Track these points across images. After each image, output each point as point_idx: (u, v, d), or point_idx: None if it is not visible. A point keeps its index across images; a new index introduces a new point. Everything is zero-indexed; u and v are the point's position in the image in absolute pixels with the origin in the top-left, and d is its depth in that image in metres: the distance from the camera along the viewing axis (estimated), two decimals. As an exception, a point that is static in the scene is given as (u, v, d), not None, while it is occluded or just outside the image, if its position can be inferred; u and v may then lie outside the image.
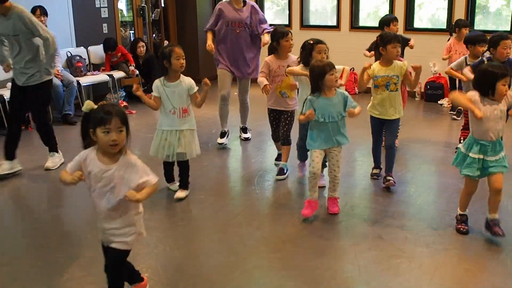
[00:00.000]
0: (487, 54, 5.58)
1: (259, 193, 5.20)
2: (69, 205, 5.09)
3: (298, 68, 5.15)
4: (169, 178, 5.23)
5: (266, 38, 6.41)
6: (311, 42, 5.11)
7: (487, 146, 4.03)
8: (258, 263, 3.89)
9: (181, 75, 4.88)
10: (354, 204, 4.90)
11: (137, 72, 9.18)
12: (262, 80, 5.47)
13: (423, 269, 3.76)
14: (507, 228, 4.19)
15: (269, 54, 5.64)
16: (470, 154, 4.07)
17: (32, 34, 5.54)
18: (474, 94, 4.01)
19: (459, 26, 7.85)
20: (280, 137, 5.62)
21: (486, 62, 5.19)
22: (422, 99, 8.95)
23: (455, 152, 4.42)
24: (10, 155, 5.87)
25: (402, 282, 3.62)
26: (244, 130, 7.13)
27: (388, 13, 9.36)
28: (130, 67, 9.06)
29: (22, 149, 6.73)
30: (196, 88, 4.91)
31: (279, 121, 5.62)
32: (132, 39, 10.19)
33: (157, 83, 4.87)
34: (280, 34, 5.54)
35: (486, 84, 3.97)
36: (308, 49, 5.09)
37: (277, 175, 5.59)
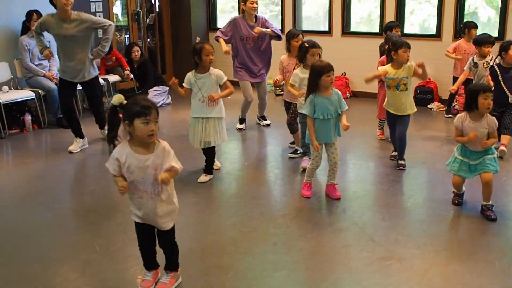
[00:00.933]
0: (497, 60, 6.09)
1: (252, 196, 5.19)
2: (62, 208, 5.07)
3: (297, 70, 5.59)
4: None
5: (261, 29, 7.18)
6: (307, 45, 5.52)
7: (474, 153, 4.50)
8: (251, 265, 3.87)
9: (211, 67, 5.30)
10: (345, 206, 4.90)
11: (132, 76, 9.16)
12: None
13: (414, 270, 3.77)
14: (493, 230, 4.21)
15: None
16: (461, 158, 4.54)
17: None
18: (456, 119, 4.52)
19: (469, 27, 7.97)
20: (287, 125, 6.14)
21: (495, 66, 5.99)
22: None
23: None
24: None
25: (392, 283, 3.62)
26: (263, 118, 7.82)
27: (379, 19, 9.41)
28: (125, 71, 9.04)
29: (16, 152, 6.72)
30: (225, 79, 5.32)
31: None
32: (127, 44, 10.17)
33: (189, 75, 5.29)
34: (291, 35, 6.20)
35: (471, 100, 4.39)
36: (303, 51, 5.51)
37: (290, 153, 6.26)
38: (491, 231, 4.34)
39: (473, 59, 6.85)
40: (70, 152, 6.53)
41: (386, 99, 5.81)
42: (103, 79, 8.74)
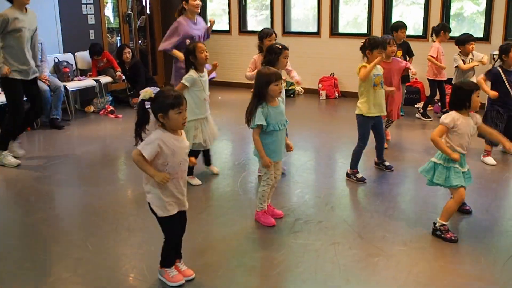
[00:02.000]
0: (498, 63, 6.00)
1: (242, 195, 5.20)
2: (54, 208, 5.05)
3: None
4: (191, 171, 5.39)
5: (210, 19, 7.00)
6: (280, 47, 5.17)
7: (461, 157, 4.14)
8: (241, 263, 3.87)
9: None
10: (334, 204, 4.91)
11: (124, 77, 9.14)
12: (250, 74, 5.68)
13: (400, 266, 3.78)
14: (479, 227, 4.24)
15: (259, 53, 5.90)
16: (452, 165, 4.13)
17: None
18: (448, 118, 4.12)
19: (444, 29, 7.97)
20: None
21: (498, 69, 5.80)
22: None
23: None
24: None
25: (380, 279, 3.64)
26: None
27: (367, 21, 9.43)
28: (116, 73, 9.02)
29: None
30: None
31: None
32: (118, 45, 10.14)
33: (192, 74, 5.15)
34: (264, 34, 5.91)
35: (463, 98, 4.11)
36: (277, 53, 5.12)
37: None
38: (476, 228, 4.36)
39: (459, 57, 7.03)
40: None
41: (367, 103, 5.32)
42: (94, 80, 8.74)
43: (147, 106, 3.28)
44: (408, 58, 7.67)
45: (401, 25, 7.65)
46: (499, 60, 5.97)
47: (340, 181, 5.56)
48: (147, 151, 3.21)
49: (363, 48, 5.38)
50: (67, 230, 4.52)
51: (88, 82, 8.71)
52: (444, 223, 4.17)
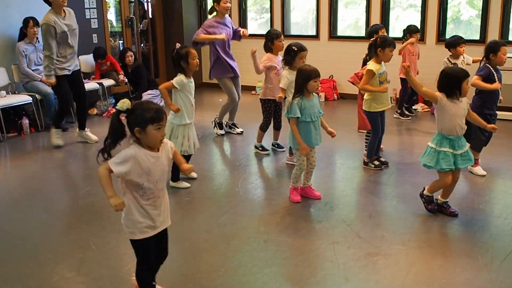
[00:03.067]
0: (483, 62, 5.61)
1: (243, 195, 5.18)
2: (58, 208, 5.04)
3: (285, 72, 5.59)
4: (178, 175, 5.33)
5: (244, 31, 7.35)
6: (295, 48, 5.51)
7: (454, 141, 4.31)
8: (242, 262, 3.86)
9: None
10: (333, 204, 4.89)
11: (126, 80, 9.14)
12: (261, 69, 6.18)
13: (399, 266, 3.77)
14: (476, 227, 4.22)
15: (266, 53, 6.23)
16: (443, 149, 4.31)
17: None
18: (441, 97, 4.32)
19: (412, 32, 8.01)
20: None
21: (489, 67, 5.49)
22: (397, 104, 8.89)
23: None
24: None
25: (379, 278, 3.62)
26: (235, 125, 7.50)
27: (365, 24, 9.42)
28: (119, 76, 9.02)
29: (14, 155, 6.69)
30: None
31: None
32: (121, 49, 10.13)
33: (181, 77, 5.08)
34: (275, 35, 6.14)
35: (453, 86, 4.26)
36: (292, 55, 5.51)
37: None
38: (473, 227, 4.34)
39: (449, 61, 6.88)
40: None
41: (373, 99, 5.46)
42: (98, 83, 8.73)
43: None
44: None
45: (380, 27, 7.48)
46: (484, 59, 5.57)
47: (339, 181, 5.55)
48: (117, 168, 2.88)
49: (373, 47, 5.41)
50: (70, 230, 4.50)
51: (92, 85, 8.69)
52: (429, 194, 4.57)
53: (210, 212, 4.78)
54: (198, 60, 5.09)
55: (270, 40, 6.13)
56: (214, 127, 7.39)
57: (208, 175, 5.74)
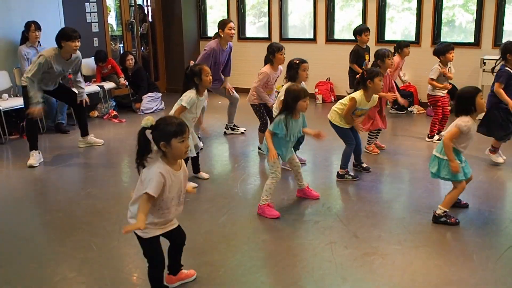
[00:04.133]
0: (499, 64, 5.75)
1: (242, 196, 5.18)
2: (59, 209, 5.02)
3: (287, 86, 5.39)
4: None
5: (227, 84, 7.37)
6: (297, 62, 5.47)
7: (461, 154, 4.34)
8: (241, 262, 3.85)
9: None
10: (330, 205, 4.89)
11: (127, 83, 9.13)
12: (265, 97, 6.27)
13: (396, 265, 3.76)
14: (471, 227, 4.22)
15: (265, 64, 6.27)
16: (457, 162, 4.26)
17: None
18: (466, 123, 4.20)
19: (401, 46, 7.99)
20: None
21: (508, 69, 5.58)
22: (393, 107, 8.89)
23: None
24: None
25: (376, 278, 3.61)
26: (236, 126, 7.58)
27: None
28: (120, 79, 9.01)
29: (16, 157, 6.67)
30: None
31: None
32: (121, 52, 10.13)
33: (193, 96, 5.04)
34: (276, 48, 6.13)
35: (467, 104, 4.21)
36: (295, 68, 5.47)
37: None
38: (468, 227, 4.34)
39: (440, 67, 6.65)
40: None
41: (342, 118, 5.41)
42: (99, 86, 8.72)
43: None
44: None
45: (365, 28, 7.61)
46: (500, 59, 5.72)
47: (336, 182, 5.54)
48: (156, 189, 2.98)
49: (362, 82, 5.27)
50: (72, 231, 4.49)
51: (93, 88, 8.69)
52: (447, 210, 4.37)
53: (209, 213, 4.77)
54: (211, 78, 5.10)
55: (271, 52, 6.14)
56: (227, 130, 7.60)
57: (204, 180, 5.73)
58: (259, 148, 6.52)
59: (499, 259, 3.80)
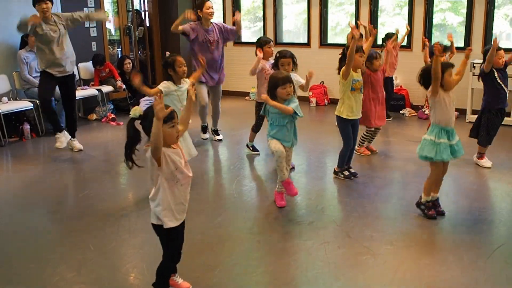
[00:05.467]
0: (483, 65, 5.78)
1: (237, 197, 5.18)
2: (58, 211, 5.02)
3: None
4: None
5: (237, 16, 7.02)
6: (277, 55, 5.49)
7: (449, 131, 4.32)
8: (236, 262, 3.86)
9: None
10: (324, 205, 4.90)
11: (124, 86, 9.12)
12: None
13: (387, 265, 3.77)
14: (461, 227, 4.24)
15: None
16: (442, 141, 4.28)
17: None
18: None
19: (389, 37, 7.97)
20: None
21: (494, 70, 5.66)
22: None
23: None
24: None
25: (368, 277, 3.63)
26: (216, 132, 7.37)
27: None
28: (117, 82, 9.01)
29: (16, 159, 6.67)
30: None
31: None
32: (119, 56, 10.12)
33: (168, 83, 4.98)
34: (263, 42, 6.13)
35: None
36: (275, 61, 5.52)
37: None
38: (459, 227, 4.35)
39: None
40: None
41: (345, 107, 5.35)
42: (97, 89, 8.72)
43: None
44: None
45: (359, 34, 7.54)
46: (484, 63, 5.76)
47: (329, 183, 5.55)
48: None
49: (344, 59, 5.29)
50: (70, 232, 4.48)
51: (91, 91, 8.70)
52: (427, 199, 4.48)
53: (205, 213, 4.78)
54: (185, 68, 5.00)
55: (259, 46, 6.10)
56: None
57: (203, 177, 5.73)
58: (247, 145, 6.59)
59: (489, 258, 3.82)
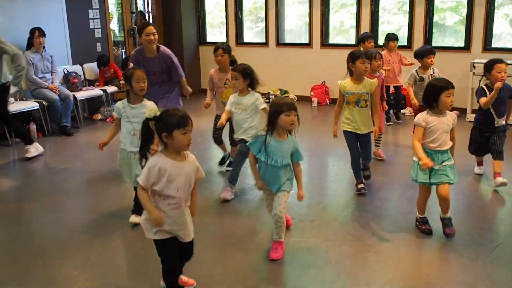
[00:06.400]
0: (482, 81, 5.20)
1: (240, 195, 5.17)
2: (64, 210, 5.03)
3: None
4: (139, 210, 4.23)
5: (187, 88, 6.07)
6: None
7: (430, 154, 3.98)
8: (239, 259, 3.86)
9: (144, 99, 4.40)
10: (325, 204, 4.90)
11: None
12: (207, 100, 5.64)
13: (389, 262, 3.77)
14: (459, 224, 4.23)
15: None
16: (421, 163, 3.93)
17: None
18: (420, 117, 4.00)
19: (388, 39, 7.85)
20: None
21: (484, 88, 5.07)
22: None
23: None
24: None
25: (369, 274, 3.63)
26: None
27: (355, 31, 9.46)
28: (120, 82, 9.02)
29: (22, 158, 6.66)
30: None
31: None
32: (123, 57, 10.13)
33: (118, 104, 4.46)
34: (214, 50, 5.52)
35: (431, 97, 3.94)
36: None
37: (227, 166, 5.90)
38: (459, 225, 4.33)
39: (417, 73, 6.29)
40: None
41: (344, 116, 4.99)
42: (101, 90, 8.73)
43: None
44: None
45: (368, 36, 7.28)
46: (484, 78, 5.18)
47: (331, 182, 5.55)
48: (149, 178, 2.92)
49: (348, 67, 4.95)
50: (75, 230, 4.49)
51: (96, 91, 8.70)
52: (420, 215, 4.28)
53: (208, 211, 4.78)
54: (143, 85, 4.29)
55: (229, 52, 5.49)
56: None
57: (206, 175, 5.71)
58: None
59: (489, 256, 3.81)
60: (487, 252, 3.87)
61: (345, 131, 5.01)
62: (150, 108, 3.00)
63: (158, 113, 2.98)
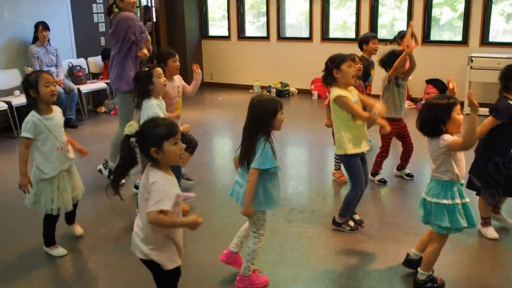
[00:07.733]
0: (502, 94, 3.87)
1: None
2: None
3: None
4: (53, 239, 3.87)
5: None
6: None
7: (461, 185, 3.17)
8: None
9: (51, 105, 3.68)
10: (325, 195, 4.91)
11: (132, 80, 9.12)
12: None
13: (387, 251, 3.78)
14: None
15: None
16: (457, 201, 3.11)
17: None
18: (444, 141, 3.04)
19: (400, 36, 7.55)
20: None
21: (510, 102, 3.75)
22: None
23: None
24: None
25: (368, 262, 3.64)
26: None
27: (355, 26, 9.43)
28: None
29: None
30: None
31: None
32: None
33: (32, 119, 3.53)
34: (167, 54, 4.57)
35: (437, 120, 3.10)
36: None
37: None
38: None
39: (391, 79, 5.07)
40: None
41: (346, 139, 3.86)
42: (105, 83, 8.72)
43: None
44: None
45: (372, 36, 5.78)
46: (503, 88, 3.85)
47: (330, 174, 5.55)
48: (167, 204, 2.42)
49: (329, 75, 4.08)
50: (81, 221, 4.49)
51: (100, 84, 8.70)
52: (427, 273, 3.29)
53: (210, 203, 4.79)
54: (54, 88, 3.55)
55: (162, 61, 4.54)
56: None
57: (208, 169, 5.74)
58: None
59: (484, 246, 3.83)
60: (488, 244, 3.87)
61: (351, 156, 3.89)
62: (130, 124, 2.46)
63: (138, 127, 2.49)
